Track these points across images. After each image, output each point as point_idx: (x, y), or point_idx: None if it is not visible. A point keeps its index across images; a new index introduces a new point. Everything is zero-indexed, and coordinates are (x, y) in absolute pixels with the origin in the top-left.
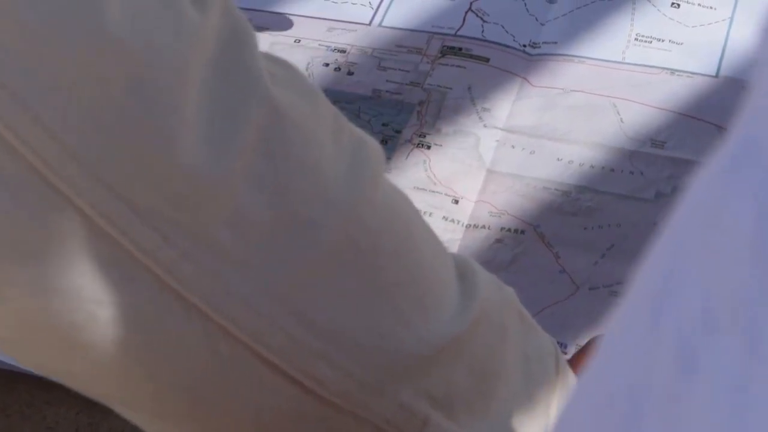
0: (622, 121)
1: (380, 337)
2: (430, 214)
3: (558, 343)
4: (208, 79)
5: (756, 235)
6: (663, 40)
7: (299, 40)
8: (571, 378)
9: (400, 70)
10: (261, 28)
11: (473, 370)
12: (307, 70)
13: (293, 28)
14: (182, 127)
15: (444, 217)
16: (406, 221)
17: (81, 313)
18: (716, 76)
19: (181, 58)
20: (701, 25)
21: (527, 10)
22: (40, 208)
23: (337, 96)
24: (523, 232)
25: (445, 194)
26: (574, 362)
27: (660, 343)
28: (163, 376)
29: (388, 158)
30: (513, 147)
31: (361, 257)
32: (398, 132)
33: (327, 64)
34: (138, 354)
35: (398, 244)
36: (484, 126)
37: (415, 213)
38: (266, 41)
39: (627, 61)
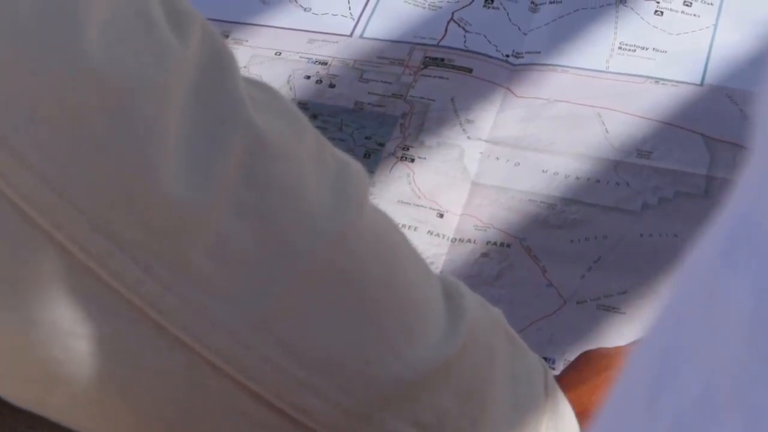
0: (607, 131)
1: (367, 364)
2: (415, 229)
3: (546, 358)
4: (189, 108)
5: (754, 314)
6: (647, 49)
7: (280, 53)
8: (560, 397)
9: (382, 82)
10: (240, 41)
11: (461, 394)
12: (288, 83)
13: (274, 40)
14: (163, 156)
15: (429, 231)
16: (392, 244)
17: (60, 347)
18: (701, 84)
19: (162, 87)
20: (685, 33)
21: (509, 19)
22: (17, 241)
23: (320, 109)
24: (509, 245)
25: (430, 208)
26: (563, 378)
27: (657, 429)
28: (144, 409)
29: (372, 172)
30: (497, 159)
31: (347, 284)
32: (381, 145)
33: (308, 77)
34: (119, 387)
35: (384, 268)
36: (468, 138)
37: (400, 235)
38: (246, 53)
39: (611, 70)
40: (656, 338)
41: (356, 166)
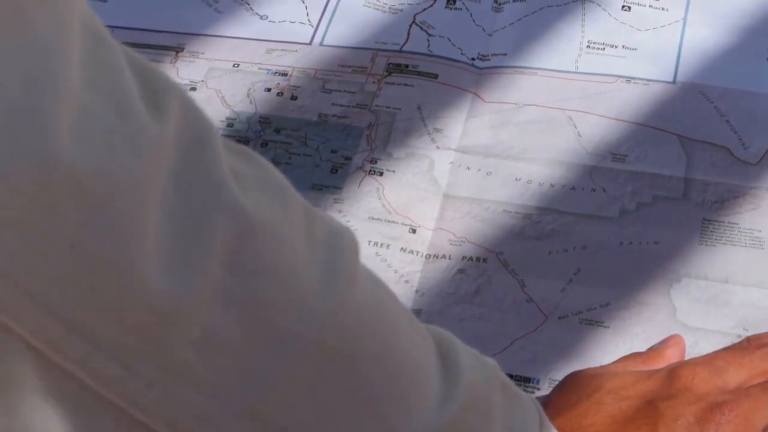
0: (579, 135)
1: None
2: (388, 246)
3: (529, 378)
4: (169, 194)
5: None
6: (616, 46)
7: (238, 65)
8: None
9: (345, 91)
10: (195, 53)
11: None
12: (248, 96)
13: (230, 51)
14: (142, 252)
15: (402, 248)
16: (384, 314)
17: None
18: (674, 82)
19: (139, 178)
20: (654, 28)
21: (473, 20)
22: None
23: (282, 123)
24: (485, 260)
25: (402, 224)
26: (551, 403)
27: None
28: None
29: (339, 188)
30: (468, 168)
31: (339, 365)
32: (348, 159)
33: (269, 89)
34: None
35: (377, 342)
36: (437, 148)
37: (392, 298)
38: (203, 67)
39: (580, 70)
40: None
41: (346, 232)
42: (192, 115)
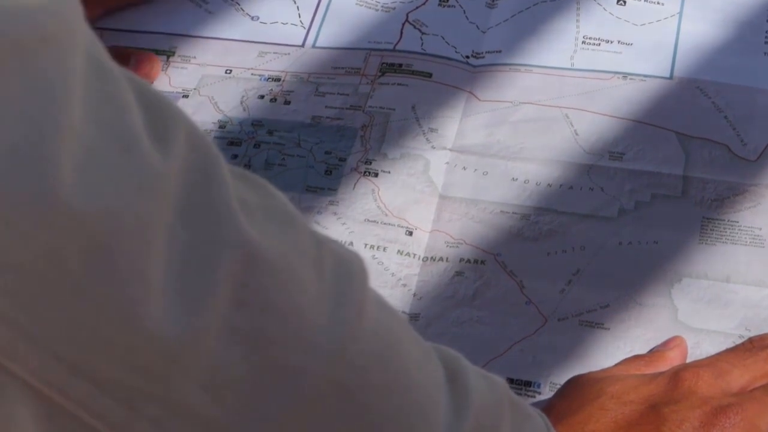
0: (576, 133)
1: None
2: (384, 249)
3: (530, 382)
4: (175, 230)
5: None
6: (612, 42)
7: (230, 71)
8: None
9: (339, 94)
10: (187, 58)
11: None
12: (241, 104)
13: (223, 56)
14: (147, 292)
15: (399, 251)
16: (394, 342)
17: None
18: (670, 77)
19: (144, 216)
20: (650, 23)
21: (467, 17)
22: None
23: (275, 125)
24: (483, 262)
25: (398, 226)
26: (554, 407)
27: None
28: None
29: (334, 190)
30: (464, 169)
31: (348, 399)
32: (343, 160)
33: (262, 96)
34: None
35: (387, 374)
36: (433, 148)
37: (402, 325)
38: (196, 73)
39: (576, 66)
40: None
41: (354, 259)
42: (198, 144)
